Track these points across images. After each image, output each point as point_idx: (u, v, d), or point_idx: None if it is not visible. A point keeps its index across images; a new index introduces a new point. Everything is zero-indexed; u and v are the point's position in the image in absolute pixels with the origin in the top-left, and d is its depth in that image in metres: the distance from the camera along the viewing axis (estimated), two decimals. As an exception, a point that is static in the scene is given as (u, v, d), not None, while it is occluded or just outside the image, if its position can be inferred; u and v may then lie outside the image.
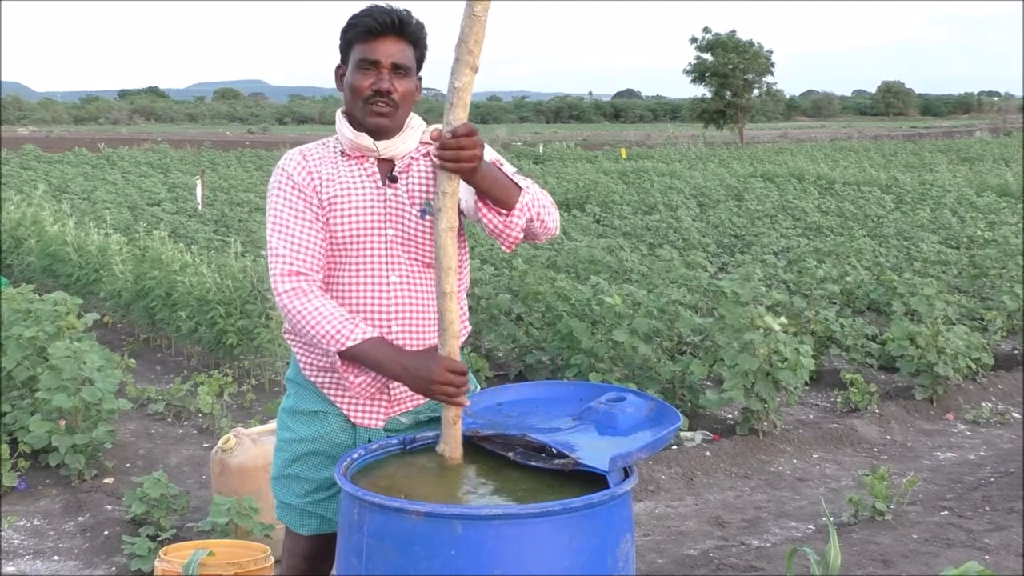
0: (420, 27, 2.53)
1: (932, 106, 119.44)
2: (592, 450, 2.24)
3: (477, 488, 2.28)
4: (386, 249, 2.52)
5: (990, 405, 6.74)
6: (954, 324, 7.63)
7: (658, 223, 14.48)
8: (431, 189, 2.51)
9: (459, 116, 2.23)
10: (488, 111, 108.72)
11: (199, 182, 16.22)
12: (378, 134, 2.52)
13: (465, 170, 2.26)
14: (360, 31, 2.48)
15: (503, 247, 2.47)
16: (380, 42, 2.47)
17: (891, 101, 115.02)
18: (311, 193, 2.50)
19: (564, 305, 7.15)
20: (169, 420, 6.54)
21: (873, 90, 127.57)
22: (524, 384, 2.78)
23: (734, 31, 53.03)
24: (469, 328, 2.67)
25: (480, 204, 2.40)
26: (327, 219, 2.50)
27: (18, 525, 4.81)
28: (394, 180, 2.54)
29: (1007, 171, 23.43)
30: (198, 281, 7.56)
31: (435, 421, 2.57)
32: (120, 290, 8.71)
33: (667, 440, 2.37)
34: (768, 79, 54.35)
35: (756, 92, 54.26)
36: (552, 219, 2.52)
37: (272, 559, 3.81)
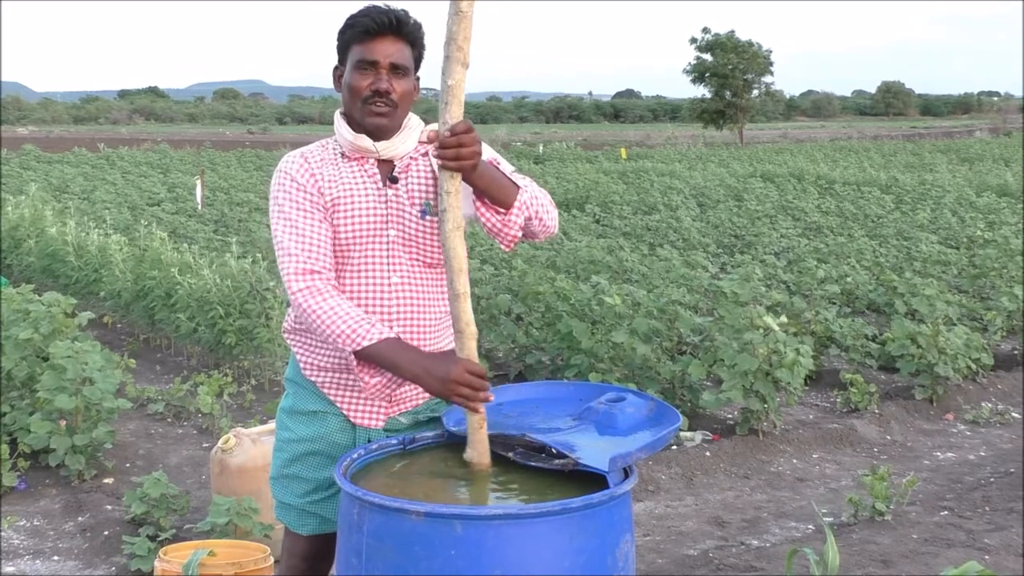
0: (418, 27, 2.52)
1: (932, 106, 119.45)
2: (592, 450, 2.24)
3: (477, 488, 2.27)
4: (387, 250, 2.52)
5: (990, 405, 6.74)
6: (954, 324, 7.63)
7: (658, 223, 14.49)
8: (431, 189, 2.50)
9: (455, 114, 2.22)
10: (488, 111, 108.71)
11: (199, 182, 16.22)
12: (377, 134, 2.52)
13: (467, 167, 2.25)
14: (358, 31, 2.47)
15: (502, 246, 2.46)
16: (378, 42, 2.47)
17: (891, 101, 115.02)
18: (316, 194, 2.50)
19: (564, 305, 7.15)
20: (169, 420, 6.54)
21: (873, 90, 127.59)
22: (524, 384, 2.79)
23: (733, 31, 53.10)
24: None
25: (478, 203, 2.40)
26: (331, 221, 2.49)
27: (18, 525, 4.81)
28: (394, 181, 2.54)
29: (1007, 171, 23.46)
30: (197, 281, 7.56)
31: (434, 421, 2.57)
32: (120, 290, 8.72)
33: (667, 440, 2.37)
34: (767, 79, 54.40)
35: (756, 92, 54.27)
36: (551, 217, 2.52)
37: (272, 559, 3.81)
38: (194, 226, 12.94)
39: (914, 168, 26.86)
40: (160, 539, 4.36)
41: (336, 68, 2.57)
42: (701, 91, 54.44)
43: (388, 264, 2.52)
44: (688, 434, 5.93)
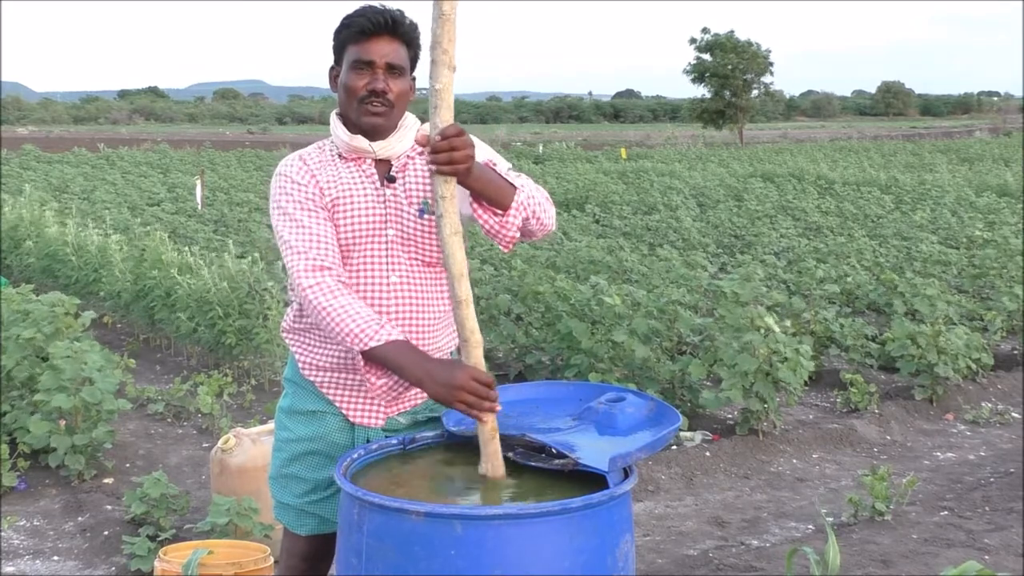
0: (413, 27, 2.52)
1: (932, 106, 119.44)
2: (592, 450, 2.23)
3: (477, 488, 2.27)
4: (386, 250, 2.51)
5: (990, 405, 6.74)
6: (954, 324, 7.63)
7: (658, 223, 14.49)
8: (429, 188, 2.50)
9: (445, 117, 2.20)
10: (488, 111, 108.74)
11: (199, 182, 16.22)
12: (373, 134, 2.52)
13: (460, 171, 2.23)
14: (353, 31, 2.47)
15: (500, 247, 2.44)
16: (373, 42, 2.46)
17: (891, 101, 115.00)
18: (317, 193, 2.50)
19: (564, 305, 7.15)
20: (169, 420, 6.54)
21: (873, 90, 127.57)
22: (524, 384, 2.78)
23: (732, 31, 53.11)
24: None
25: (475, 205, 2.38)
26: (332, 222, 2.49)
27: (18, 525, 4.81)
28: (392, 180, 2.54)
29: (1007, 171, 23.46)
30: (197, 282, 7.56)
31: (434, 421, 2.57)
32: (120, 290, 8.72)
33: (667, 440, 2.37)
34: (767, 79, 54.40)
35: (755, 92, 54.28)
36: (548, 216, 2.51)
37: (272, 559, 3.81)
38: (194, 226, 12.94)
39: (914, 168, 26.86)
40: (160, 539, 4.36)
41: (332, 68, 2.57)
42: (701, 91, 54.50)
43: (387, 264, 2.51)
44: (688, 434, 5.93)
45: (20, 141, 43.55)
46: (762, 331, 5.92)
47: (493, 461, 2.28)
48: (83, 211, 14.69)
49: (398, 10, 2.50)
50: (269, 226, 2.63)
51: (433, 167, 2.22)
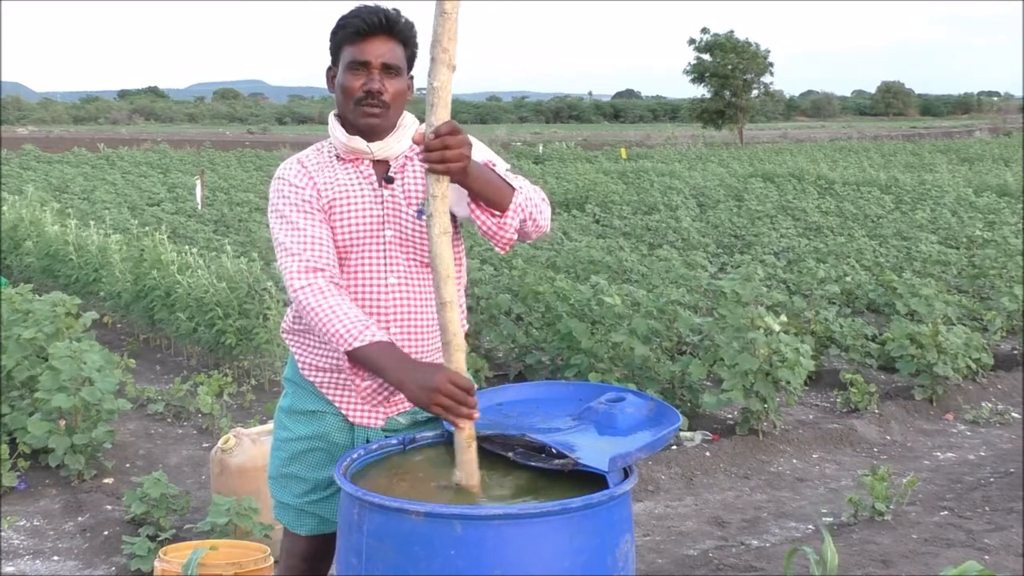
0: (410, 26, 2.51)
1: (932, 106, 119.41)
2: (592, 450, 2.23)
3: (477, 488, 2.27)
4: (384, 251, 2.51)
5: (990, 405, 6.74)
6: (954, 324, 7.63)
7: (658, 223, 14.49)
8: (427, 188, 2.50)
9: (441, 116, 2.18)
10: (488, 111, 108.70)
11: (199, 182, 16.22)
12: (370, 135, 2.51)
13: (453, 170, 2.19)
14: (349, 32, 2.47)
15: (497, 248, 2.43)
16: (369, 42, 2.46)
17: (891, 101, 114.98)
18: (315, 196, 2.49)
19: (564, 305, 7.15)
20: (169, 420, 6.54)
21: (873, 90, 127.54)
22: (524, 384, 2.78)
23: (732, 32, 53.10)
24: (467, 327, 2.65)
25: (473, 205, 2.36)
26: (328, 223, 2.49)
27: (18, 525, 4.81)
28: (390, 181, 2.53)
29: (1007, 171, 23.46)
30: (196, 282, 7.56)
31: (433, 421, 2.56)
32: (120, 290, 8.72)
33: (667, 440, 2.37)
34: (767, 79, 54.39)
35: (755, 92, 54.27)
36: (544, 217, 2.49)
37: (272, 559, 3.81)
38: (194, 226, 12.93)
39: (914, 168, 26.86)
40: (160, 539, 4.36)
41: (329, 69, 2.57)
42: (701, 91, 54.48)
43: (385, 265, 2.51)
44: (688, 434, 5.93)
45: (20, 141, 43.55)
46: (763, 331, 5.91)
47: (467, 469, 2.24)
48: (83, 211, 14.69)
49: (394, 9, 2.49)
50: (269, 226, 2.63)
51: (426, 165, 2.21)
